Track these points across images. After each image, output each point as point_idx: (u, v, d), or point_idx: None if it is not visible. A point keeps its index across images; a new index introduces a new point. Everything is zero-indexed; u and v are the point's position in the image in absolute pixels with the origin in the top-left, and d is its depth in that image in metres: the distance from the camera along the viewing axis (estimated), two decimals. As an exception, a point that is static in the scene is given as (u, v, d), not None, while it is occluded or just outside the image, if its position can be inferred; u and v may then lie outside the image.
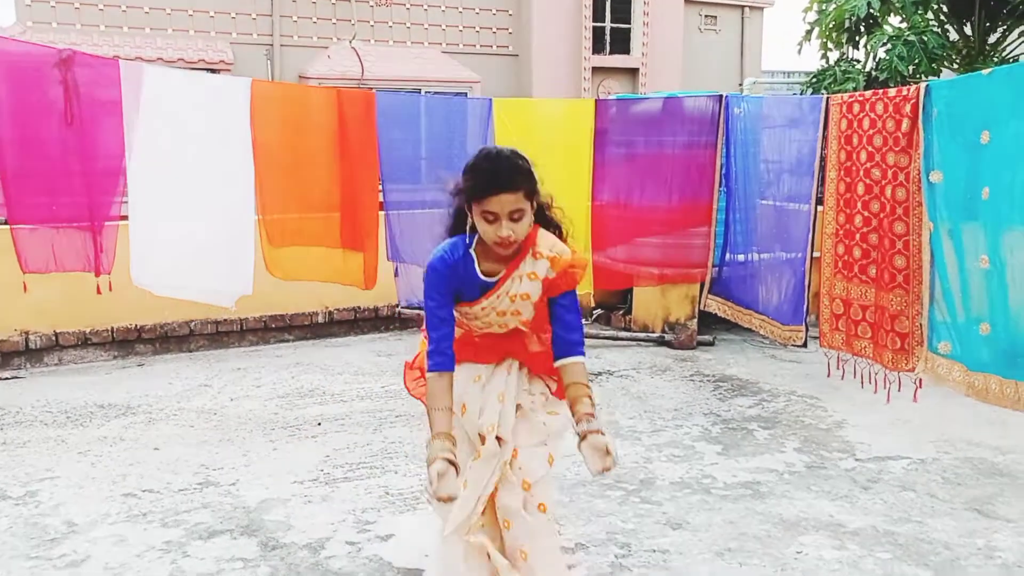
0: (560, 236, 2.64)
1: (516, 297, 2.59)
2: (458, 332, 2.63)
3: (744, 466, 4.13)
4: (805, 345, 5.31)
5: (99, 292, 4.61)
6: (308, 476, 4.01)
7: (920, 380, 4.27)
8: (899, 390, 4.28)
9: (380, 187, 5.43)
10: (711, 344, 6.64)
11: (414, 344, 6.78)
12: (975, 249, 3.92)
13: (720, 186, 6.20)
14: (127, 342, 6.16)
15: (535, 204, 2.51)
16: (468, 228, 2.52)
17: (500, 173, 2.40)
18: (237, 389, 5.43)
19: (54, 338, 5.92)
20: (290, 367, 5.97)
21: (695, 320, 6.66)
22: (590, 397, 2.56)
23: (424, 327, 2.67)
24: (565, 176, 5.89)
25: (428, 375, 2.55)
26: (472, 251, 2.55)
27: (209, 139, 4.81)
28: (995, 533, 3.40)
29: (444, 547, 2.62)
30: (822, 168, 5.09)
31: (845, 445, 4.42)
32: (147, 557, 3.22)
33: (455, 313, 2.61)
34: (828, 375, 5.09)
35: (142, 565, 3.16)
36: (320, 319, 6.80)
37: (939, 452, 4.29)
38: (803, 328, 5.29)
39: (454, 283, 2.55)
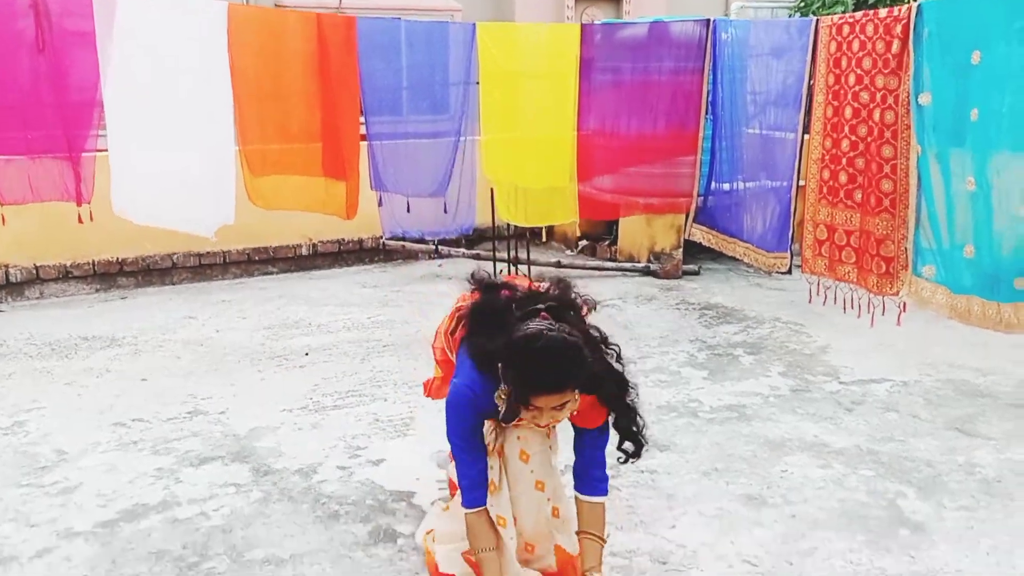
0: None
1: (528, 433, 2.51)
2: None
3: (730, 390, 4.18)
4: (790, 272, 5.31)
5: (80, 222, 4.53)
6: (297, 405, 4.02)
7: (904, 304, 4.30)
8: (883, 314, 4.30)
9: (362, 119, 5.34)
10: (696, 273, 6.65)
11: (398, 276, 6.78)
12: (962, 171, 3.91)
13: (707, 114, 6.13)
14: (109, 275, 6.10)
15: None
16: (504, 391, 2.28)
17: (550, 377, 2.18)
18: (222, 321, 5.41)
19: (35, 271, 5.85)
20: (275, 299, 5.94)
21: (680, 250, 6.66)
22: (602, 547, 2.48)
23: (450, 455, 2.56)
24: (550, 104, 5.82)
25: (467, 513, 2.42)
26: (497, 400, 2.32)
27: (186, 67, 4.67)
28: (976, 450, 3.47)
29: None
30: (810, 95, 5.04)
31: (829, 369, 4.47)
32: (139, 484, 3.23)
33: None
34: (810, 301, 5.08)
35: (135, 491, 3.17)
36: (304, 251, 6.76)
37: (922, 374, 4.35)
38: (788, 255, 5.30)
39: (479, 415, 2.40)
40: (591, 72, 5.99)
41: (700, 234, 6.28)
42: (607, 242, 7.13)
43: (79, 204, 4.56)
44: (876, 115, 4.44)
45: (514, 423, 2.43)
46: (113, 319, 5.42)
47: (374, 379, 4.36)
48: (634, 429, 2.42)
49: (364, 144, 5.41)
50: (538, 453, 2.53)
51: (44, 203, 4.68)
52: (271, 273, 6.66)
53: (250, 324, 5.34)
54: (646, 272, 6.66)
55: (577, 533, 2.50)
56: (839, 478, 3.25)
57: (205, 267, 6.41)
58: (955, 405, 3.96)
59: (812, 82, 4.97)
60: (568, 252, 7.57)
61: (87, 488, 3.19)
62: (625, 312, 5.61)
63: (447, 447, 2.66)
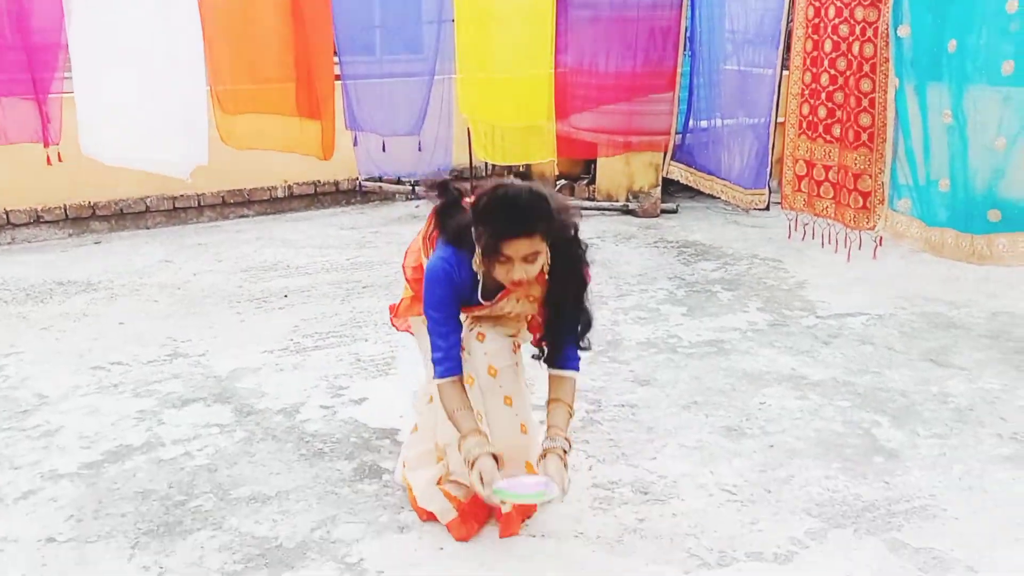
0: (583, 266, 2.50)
1: (513, 312, 2.54)
2: None
3: (708, 326, 4.22)
4: (768, 209, 5.33)
5: (48, 163, 4.45)
6: (278, 346, 4.02)
7: (880, 238, 4.33)
8: (859, 248, 4.34)
9: (336, 58, 5.25)
10: (675, 212, 6.66)
11: (376, 218, 6.74)
12: (939, 105, 3.92)
13: (685, 50, 6.08)
14: (81, 219, 6.00)
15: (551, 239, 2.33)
16: (479, 256, 2.33)
17: (517, 220, 2.22)
18: (199, 264, 5.36)
19: (5, 216, 5.75)
20: (251, 242, 5.89)
21: (659, 188, 6.66)
22: (569, 415, 2.50)
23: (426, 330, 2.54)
24: (526, 41, 5.73)
25: (439, 382, 2.44)
26: (475, 266, 2.39)
27: (153, 5, 4.55)
28: (948, 380, 3.55)
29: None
30: (789, 31, 5.00)
31: (806, 304, 4.52)
32: (121, 426, 3.23)
33: None
34: (789, 237, 5.10)
35: (117, 433, 3.17)
36: (280, 193, 6.68)
37: (896, 308, 4.41)
38: (766, 192, 5.31)
39: (457, 294, 2.43)
40: (568, 8, 5.90)
41: (678, 172, 6.27)
42: (585, 181, 7.10)
43: (46, 145, 4.50)
44: (855, 48, 4.42)
45: (490, 307, 2.48)
46: (87, 264, 5.35)
47: (354, 320, 4.36)
48: (582, 316, 2.50)
49: (338, 84, 5.32)
50: (505, 368, 2.56)
51: (11, 146, 4.60)
52: (247, 216, 6.59)
53: (227, 267, 5.30)
54: (624, 211, 6.66)
55: (550, 400, 2.52)
56: (816, 409, 3.31)
57: (179, 210, 6.33)
58: (929, 337, 4.03)
59: (791, 19, 4.94)
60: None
61: (69, 430, 3.19)
62: (604, 251, 5.62)
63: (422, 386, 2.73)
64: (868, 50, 4.33)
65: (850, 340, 4.00)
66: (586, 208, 6.76)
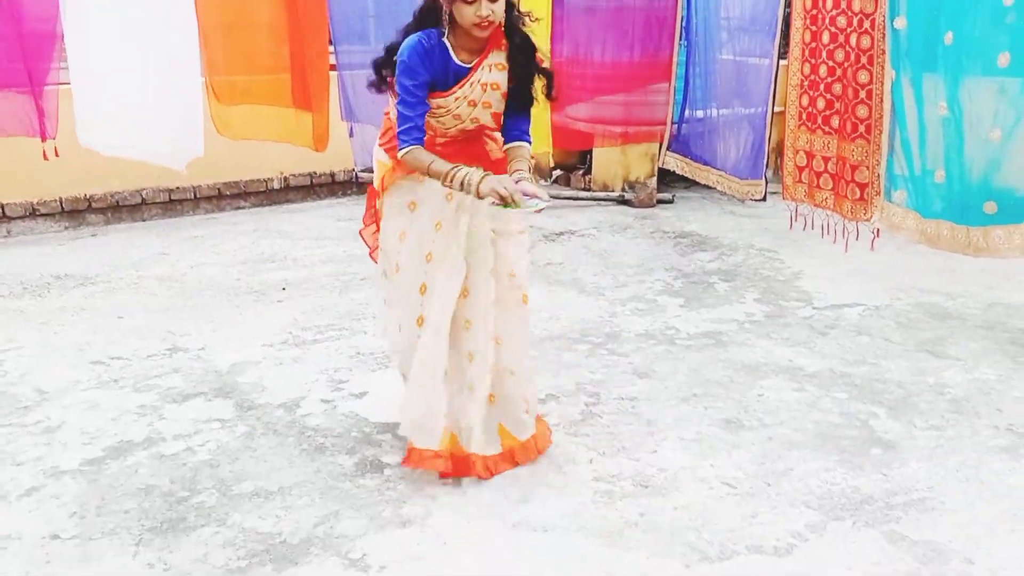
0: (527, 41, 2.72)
1: (487, 86, 2.67)
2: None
3: (706, 317, 4.24)
4: (764, 199, 5.34)
5: (45, 158, 4.44)
6: (277, 339, 4.02)
7: (877, 229, 4.35)
8: (856, 239, 4.36)
9: (331, 49, 5.23)
10: (671, 202, 6.67)
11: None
12: (935, 96, 3.93)
13: (680, 40, 6.07)
14: (77, 212, 5.98)
15: None
16: (444, 20, 2.57)
17: None
18: (196, 256, 5.35)
19: (0, 210, 5.72)
20: (248, 234, 5.88)
21: (655, 179, 6.66)
22: (528, 164, 2.74)
23: (389, 112, 2.80)
24: (523, 31, 5.72)
25: (408, 149, 2.61)
26: (446, 40, 2.61)
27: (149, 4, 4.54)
28: (945, 371, 3.57)
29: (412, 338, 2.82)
30: (786, 20, 5.00)
31: (803, 295, 4.54)
32: (123, 421, 3.24)
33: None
34: (790, 228, 5.10)
35: (118, 428, 3.18)
36: (276, 185, 6.66)
37: (892, 299, 4.44)
38: (762, 182, 5.32)
39: (430, 68, 2.60)
40: (564, -2, 5.90)
41: (674, 162, 6.28)
42: (581, 171, 7.11)
43: (43, 140, 4.48)
44: (853, 40, 4.43)
45: (468, 80, 2.64)
46: (84, 257, 5.34)
47: (353, 312, 4.36)
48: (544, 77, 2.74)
49: (334, 75, 5.31)
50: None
51: (7, 139, 4.58)
52: (243, 207, 6.57)
53: (225, 259, 5.29)
54: (621, 201, 6.67)
55: (510, 161, 2.76)
56: (813, 400, 3.34)
57: (176, 202, 6.31)
58: (925, 328, 4.06)
59: (789, 8, 4.93)
60: (542, 182, 7.54)
61: (70, 426, 3.19)
62: (600, 241, 5.63)
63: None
64: (865, 42, 4.34)
65: (846, 331, 4.03)
66: (582, 198, 6.77)
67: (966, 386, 3.44)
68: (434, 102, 2.65)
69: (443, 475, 2.81)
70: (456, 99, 2.66)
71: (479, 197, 2.56)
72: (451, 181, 2.59)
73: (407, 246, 2.82)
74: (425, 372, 2.76)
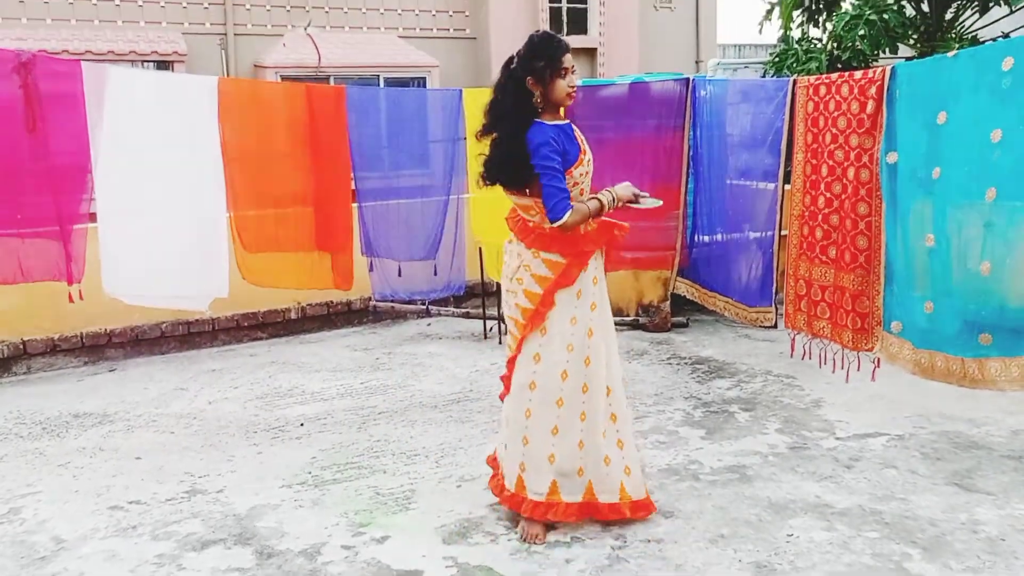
0: None
1: (588, 150, 3.32)
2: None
3: (728, 450, 4.20)
4: (775, 326, 5.37)
5: (71, 300, 4.52)
6: (296, 480, 3.99)
7: (878, 359, 4.34)
8: (858, 369, 4.35)
9: (353, 184, 5.41)
10: (685, 326, 6.70)
11: (388, 337, 6.77)
12: (921, 228, 3.99)
13: (688, 169, 6.24)
14: (97, 347, 6.05)
15: None
16: (539, 102, 3.20)
17: (560, 40, 3.22)
18: (214, 391, 5.37)
19: (21, 346, 5.79)
20: (266, 366, 5.91)
21: (668, 303, 6.71)
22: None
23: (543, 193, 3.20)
24: (536, 164, 5.89)
25: (571, 212, 3.12)
26: (542, 119, 3.21)
27: (176, 140, 4.72)
28: (977, 507, 3.50)
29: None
30: (789, 148, 5.15)
31: (825, 424, 4.50)
32: (141, 572, 3.19)
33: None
34: (793, 355, 5.08)
35: (137, 581, 3.12)
36: (293, 315, 6.74)
37: (915, 427, 4.39)
38: (772, 308, 5.36)
39: (561, 145, 3.16)
40: (575, 131, 6.09)
41: (684, 287, 6.36)
42: (595, 296, 7.16)
43: (70, 283, 4.56)
44: (850, 173, 4.55)
45: (585, 152, 3.30)
46: (103, 393, 5.37)
47: (372, 449, 4.34)
48: None
49: (354, 208, 5.46)
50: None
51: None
52: (260, 339, 6.63)
53: (242, 394, 5.31)
54: (635, 325, 6.71)
55: None
56: (845, 541, 3.27)
57: (194, 335, 6.38)
58: (952, 459, 4.00)
59: (792, 137, 5.08)
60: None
61: (88, 579, 3.14)
62: (617, 369, 5.62)
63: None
64: (864, 175, 4.45)
65: (872, 463, 3.97)
66: (597, 323, 6.79)
67: (999, 523, 3.36)
68: (572, 175, 3.19)
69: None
70: (584, 172, 3.26)
71: (623, 203, 3.31)
72: (611, 204, 3.25)
73: (578, 328, 3.32)
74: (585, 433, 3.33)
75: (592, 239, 3.32)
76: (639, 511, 3.41)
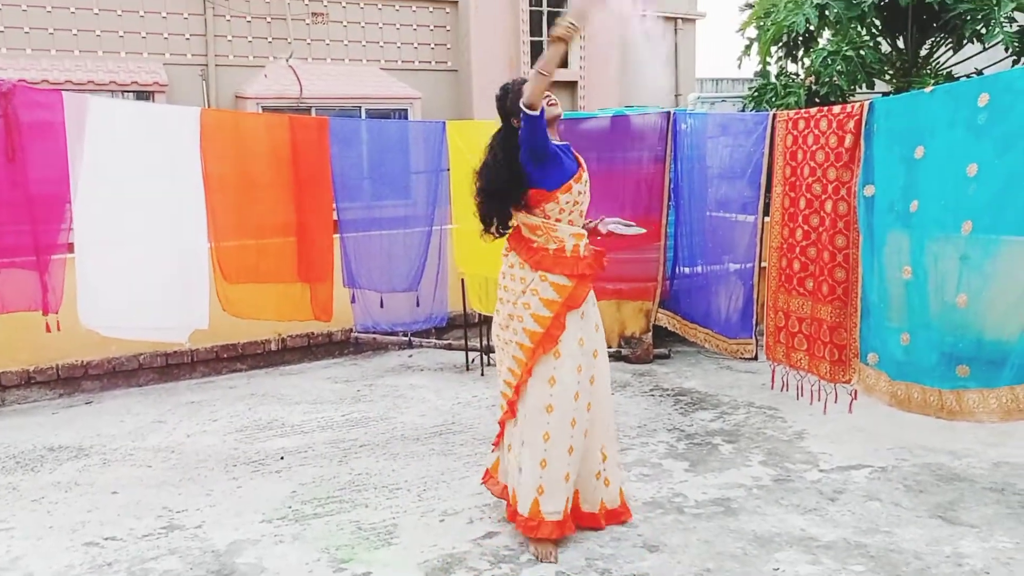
0: None
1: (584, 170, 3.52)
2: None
3: (713, 482, 4.18)
4: (756, 357, 5.37)
5: (48, 331, 4.45)
6: (276, 514, 3.93)
7: (855, 391, 4.34)
8: (835, 402, 4.36)
9: (335, 215, 5.40)
10: (667, 357, 6.71)
11: (369, 369, 6.72)
12: (898, 261, 4.02)
13: (669, 201, 6.28)
14: (73, 379, 5.96)
15: None
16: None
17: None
18: (192, 424, 5.30)
19: (-4, 379, 5.70)
20: (245, 398, 5.85)
21: (650, 334, 6.72)
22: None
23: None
24: (518, 196, 5.92)
25: (525, 95, 3.22)
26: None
27: (157, 170, 4.68)
28: (961, 540, 3.50)
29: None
30: (768, 180, 5.19)
31: (808, 456, 4.50)
32: (117, 611, 3.11)
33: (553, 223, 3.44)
34: (771, 387, 5.08)
35: (112, 620, 3.05)
36: (273, 347, 6.69)
37: (898, 459, 4.40)
38: (752, 340, 5.36)
39: (558, 152, 3.39)
40: (558, 163, 6.12)
41: (666, 319, 6.37)
42: (576, 328, 7.15)
43: (45, 313, 4.50)
44: (828, 206, 4.59)
45: (582, 170, 3.51)
46: (79, 426, 5.28)
47: (353, 482, 4.29)
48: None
49: (336, 240, 5.44)
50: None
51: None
52: (239, 370, 6.57)
53: (221, 426, 5.24)
54: (618, 357, 6.70)
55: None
56: (830, 574, 3.25)
57: (172, 367, 6.30)
58: (934, 491, 4.01)
59: (771, 170, 5.13)
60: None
61: (62, 618, 3.06)
62: (600, 401, 5.60)
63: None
64: (842, 208, 4.49)
65: (856, 496, 3.97)
66: (579, 355, 6.78)
67: (983, 556, 3.36)
68: (566, 198, 3.38)
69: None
70: (580, 192, 3.45)
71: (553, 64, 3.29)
72: (543, 67, 3.19)
73: (586, 349, 3.46)
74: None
75: (589, 264, 3.49)
76: (612, 519, 3.69)
